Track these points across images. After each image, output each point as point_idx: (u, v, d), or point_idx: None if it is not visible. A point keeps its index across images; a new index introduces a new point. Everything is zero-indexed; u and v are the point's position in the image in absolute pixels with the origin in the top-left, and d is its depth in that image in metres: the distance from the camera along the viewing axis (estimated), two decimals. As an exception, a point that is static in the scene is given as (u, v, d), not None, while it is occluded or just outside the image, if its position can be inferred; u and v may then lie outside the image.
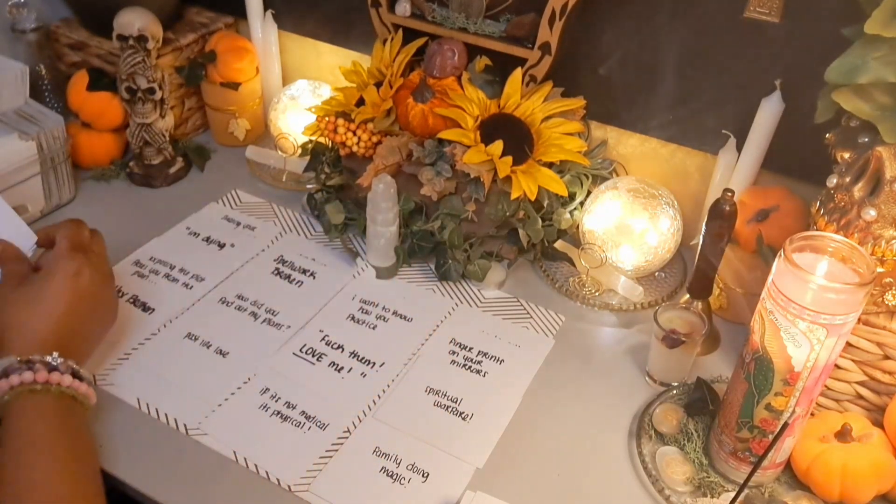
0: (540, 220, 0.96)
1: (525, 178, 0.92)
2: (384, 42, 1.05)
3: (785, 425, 0.65)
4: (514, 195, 0.91)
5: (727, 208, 0.79)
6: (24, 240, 0.79)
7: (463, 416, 0.80)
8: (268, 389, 0.81)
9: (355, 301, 0.94)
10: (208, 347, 0.86)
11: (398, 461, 0.74)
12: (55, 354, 0.69)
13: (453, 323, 0.91)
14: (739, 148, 0.92)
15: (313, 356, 0.86)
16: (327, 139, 1.02)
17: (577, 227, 0.98)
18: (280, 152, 1.14)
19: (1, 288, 0.73)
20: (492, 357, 0.87)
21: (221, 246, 1.01)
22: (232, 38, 1.16)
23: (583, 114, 1.00)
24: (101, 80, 1.10)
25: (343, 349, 0.87)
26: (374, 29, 1.06)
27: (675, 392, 0.82)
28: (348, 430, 0.77)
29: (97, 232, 0.83)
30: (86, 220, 0.82)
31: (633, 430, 0.79)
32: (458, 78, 0.99)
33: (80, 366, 0.71)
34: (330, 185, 1.04)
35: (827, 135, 0.77)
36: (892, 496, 0.71)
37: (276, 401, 0.80)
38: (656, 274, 0.98)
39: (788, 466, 0.73)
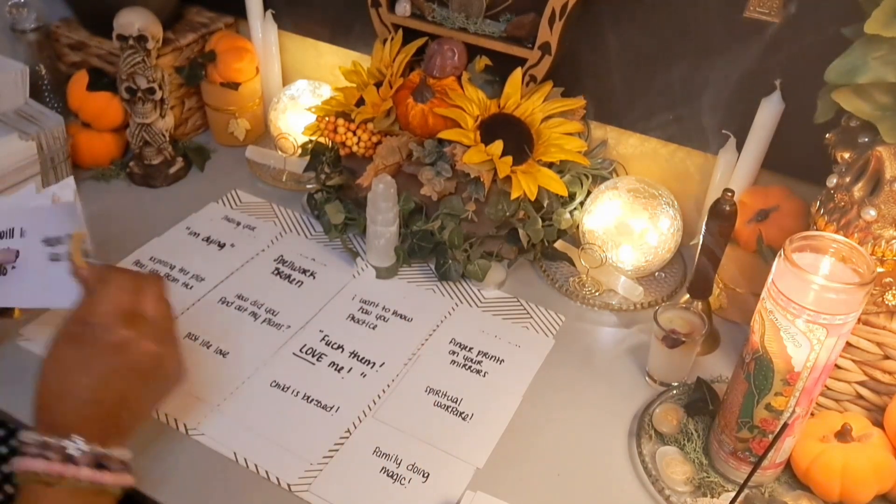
0: (540, 220, 0.96)
1: (525, 178, 0.91)
2: (384, 42, 1.05)
3: (785, 425, 0.65)
4: (514, 195, 0.91)
5: (727, 208, 0.79)
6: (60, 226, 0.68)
7: (463, 416, 0.80)
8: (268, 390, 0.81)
9: (355, 301, 0.93)
10: (208, 347, 0.86)
11: (398, 461, 0.74)
12: (77, 441, 0.57)
13: (453, 323, 0.91)
14: (739, 148, 0.92)
15: (313, 356, 0.86)
16: (327, 139, 1.02)
17: (577, 227, 0.98)
18: (280, 152, 1.13)
19: (57, 346, 0.62)
20: (492, 357, 0.87)
21: (221, 246, 1.01)
22: (232, 38, 1.16)
23: (583, 114, 1.00)
24: (101, 80, 1.10)
25: (343, 349, 0.87)
26: (374, 29, 1.06)
27: (675, 392, 0.82)
28: (348, 431, 0.77)
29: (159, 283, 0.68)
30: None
31: (633, 430, 0.79)
32: (458, 78, 0.99)
33: (120, 443, 0.60)
34: (330, 185, 1.04)
35: (827, 135, 0.77)
36: (892, 496, 0.71)
37: (276, 400, 0.80)
38: (656, 274, 0.98)
39: (788, 466, 0.73)
